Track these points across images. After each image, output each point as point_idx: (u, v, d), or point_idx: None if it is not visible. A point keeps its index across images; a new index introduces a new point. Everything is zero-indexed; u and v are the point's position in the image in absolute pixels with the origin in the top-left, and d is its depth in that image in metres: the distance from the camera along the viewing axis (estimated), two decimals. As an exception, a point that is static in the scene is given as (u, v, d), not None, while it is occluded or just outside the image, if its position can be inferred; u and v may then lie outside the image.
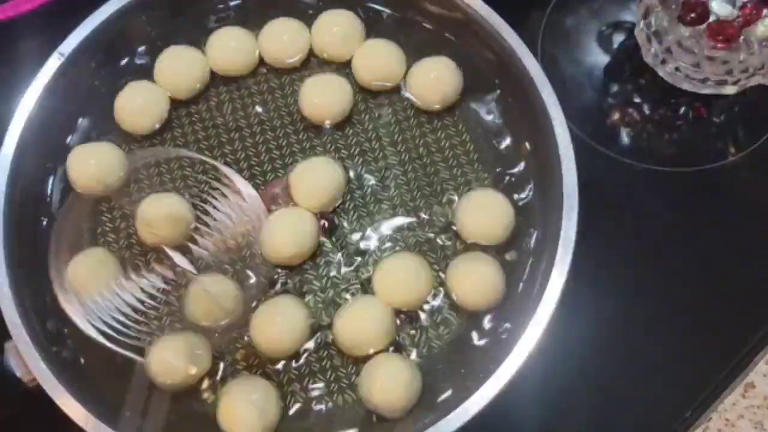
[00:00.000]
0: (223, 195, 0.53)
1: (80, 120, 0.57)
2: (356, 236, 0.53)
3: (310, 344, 0.51)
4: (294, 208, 0.53)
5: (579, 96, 0.64)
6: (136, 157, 0.55)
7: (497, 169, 0.55)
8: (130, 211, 0.53)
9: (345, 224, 0.54)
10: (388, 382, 0.48)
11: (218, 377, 0.50)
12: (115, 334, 0.50)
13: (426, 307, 0.52)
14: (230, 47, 0.58)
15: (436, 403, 0.49)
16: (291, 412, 0.49)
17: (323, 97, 0.56)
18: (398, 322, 0.51)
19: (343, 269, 0.53)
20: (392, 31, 0.59)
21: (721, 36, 0.57)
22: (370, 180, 0.55)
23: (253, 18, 0.59)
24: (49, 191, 0.55)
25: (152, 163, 0.55)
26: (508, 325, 0.50)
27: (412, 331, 0.51)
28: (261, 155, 0.56)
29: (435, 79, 0.56)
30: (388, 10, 0.59)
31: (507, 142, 0.56)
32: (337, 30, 0.57)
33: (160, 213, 0.52)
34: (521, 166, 0.55)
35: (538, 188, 0.54)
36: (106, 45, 0.57)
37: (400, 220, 0.54)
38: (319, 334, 0.51)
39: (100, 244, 0.54)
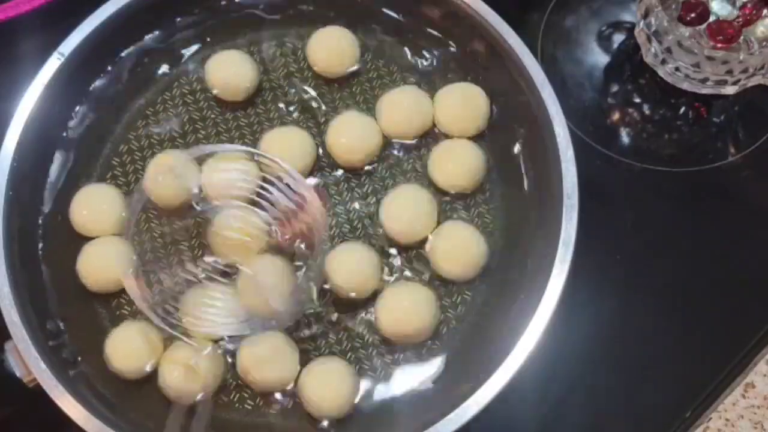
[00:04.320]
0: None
1: (80, 120, 0.57)
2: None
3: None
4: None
5: (579, 96, 0.64)
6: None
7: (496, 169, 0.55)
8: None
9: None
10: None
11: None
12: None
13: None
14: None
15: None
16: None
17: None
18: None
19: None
20: (390, 30, 0.59)
21: (721, 36, 0.57)
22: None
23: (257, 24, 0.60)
24: (49, 191, 0.55)
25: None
26: (508, 324, 0.50)
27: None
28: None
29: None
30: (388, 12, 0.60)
31: (506, 142, 0.56)
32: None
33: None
34: (521, 166, 0.55)
35: (538, 188, 0.54)
36: (107, 45, 0.57)
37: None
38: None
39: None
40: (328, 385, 0.49)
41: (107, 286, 0.52)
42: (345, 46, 0.57)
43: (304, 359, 0.50)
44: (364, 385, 0.50)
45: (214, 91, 0.58)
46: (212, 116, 0.58)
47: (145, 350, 0.49)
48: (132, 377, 0.50)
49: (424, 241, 0.53)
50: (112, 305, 0.53)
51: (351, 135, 0.55)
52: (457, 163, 0.54)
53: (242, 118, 0.58)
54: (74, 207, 0.54)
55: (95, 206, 0.54)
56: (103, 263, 0.52)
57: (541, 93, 0.53)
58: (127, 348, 0.50)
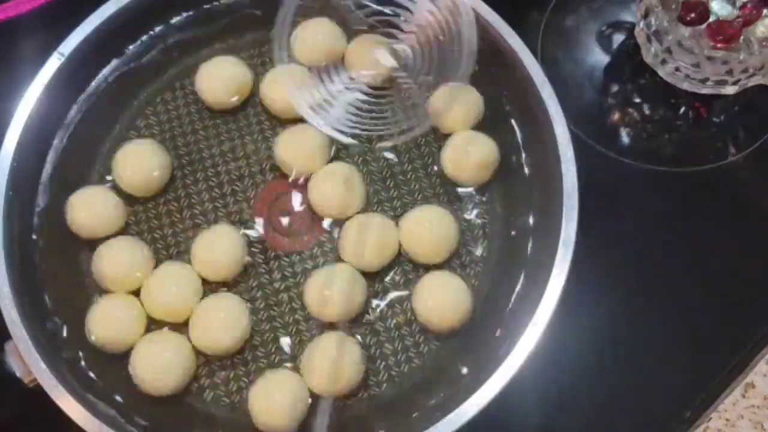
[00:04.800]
0: None
1: (80, 121, 0.57)
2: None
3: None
4: None
5: (579, 96, 0.64)
6: None
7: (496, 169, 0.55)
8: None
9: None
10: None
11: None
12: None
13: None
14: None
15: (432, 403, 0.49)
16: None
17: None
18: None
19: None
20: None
21: (721, 36, 0.57)
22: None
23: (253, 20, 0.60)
24: (49, 191, 0.55)
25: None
26: (507, 324, 0.50)
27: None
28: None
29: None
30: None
31: (506, 142, 0.56)
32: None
33: None
34: (521, 166, 0.55)
35: (538, 188, 0.54)
36: (107, 45, 0.57)
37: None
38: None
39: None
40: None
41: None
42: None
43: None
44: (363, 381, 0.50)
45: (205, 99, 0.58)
46: (213, 115, 0.58)
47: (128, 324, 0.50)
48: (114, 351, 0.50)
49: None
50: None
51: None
52: (470, 159, 0.54)
53: (242, 119, 0.58)
54: (70, 211, 0.53)
55: (92, 210, 0.53)
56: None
57: (541, 93, 0.53)
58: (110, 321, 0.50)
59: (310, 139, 0.54)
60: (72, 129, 0.57)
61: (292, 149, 0.55)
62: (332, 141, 0.55)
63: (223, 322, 0.50)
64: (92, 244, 0.54)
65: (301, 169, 0.55)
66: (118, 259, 0.52)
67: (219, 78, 0.57)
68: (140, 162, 0.54)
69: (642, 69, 0.63)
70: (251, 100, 0.58)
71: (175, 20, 0.60)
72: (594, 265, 0.54)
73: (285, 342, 0.51)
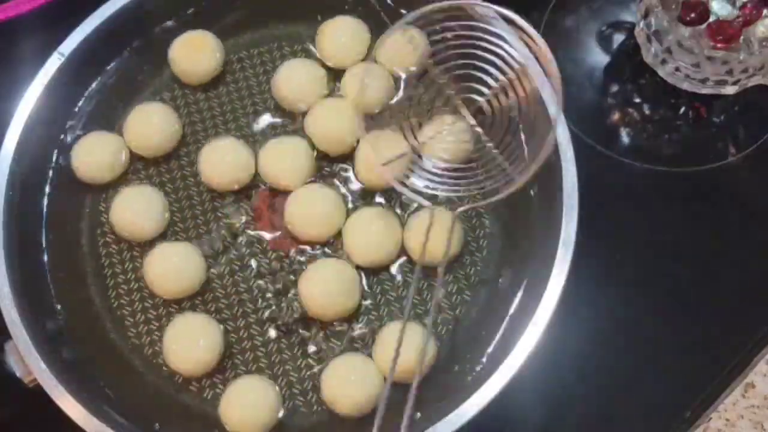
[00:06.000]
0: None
1: (80, 120, 0.57)
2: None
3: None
4: None
5: (579, 96, 0.64)
6: None
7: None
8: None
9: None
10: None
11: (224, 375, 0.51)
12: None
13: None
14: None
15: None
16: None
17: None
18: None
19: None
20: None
21: (721, 36, 0.57)
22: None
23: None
24: (48, 191, 0.55)
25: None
26: (508, 324, 0.50)
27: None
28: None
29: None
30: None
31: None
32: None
33: None
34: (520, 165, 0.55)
35: (538, 188, 0.54)
36: (107, 44, 0.57)
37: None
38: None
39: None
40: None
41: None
42: (358, 39, 0.58)
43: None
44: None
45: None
46: (210, 116, 0.58)
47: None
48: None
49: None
50: (113, 306, 0.53)
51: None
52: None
53: (242, 118, 0.58)
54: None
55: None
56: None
57: (542, 93, 0.53)
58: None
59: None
60: (72, 129, 0.57)
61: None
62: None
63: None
64: (94, 244, 0.54)
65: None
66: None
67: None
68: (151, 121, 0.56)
69: (642, 69, 0.63)
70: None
71: (175, 20, 0.60)
72: (594, 265, 0.54)
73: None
